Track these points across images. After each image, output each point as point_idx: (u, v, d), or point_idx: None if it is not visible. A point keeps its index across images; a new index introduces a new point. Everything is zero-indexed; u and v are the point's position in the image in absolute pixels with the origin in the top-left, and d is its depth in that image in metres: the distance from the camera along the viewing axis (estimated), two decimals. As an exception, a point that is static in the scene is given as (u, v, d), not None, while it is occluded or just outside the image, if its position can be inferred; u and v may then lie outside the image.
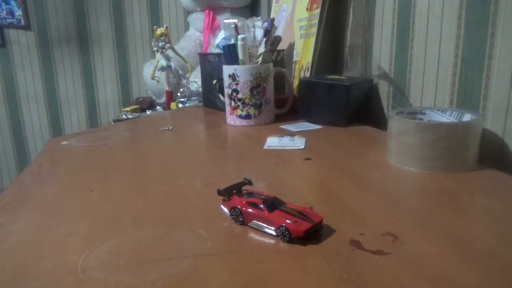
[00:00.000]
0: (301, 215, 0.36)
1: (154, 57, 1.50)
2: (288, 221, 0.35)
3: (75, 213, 0.42)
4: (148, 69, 1.80)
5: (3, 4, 2.21)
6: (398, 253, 0.32)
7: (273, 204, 0.37)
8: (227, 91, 0.83)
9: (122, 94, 2.41)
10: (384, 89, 0.80)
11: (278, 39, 0.88)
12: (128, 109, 1.62)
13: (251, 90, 0.80)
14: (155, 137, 0.77)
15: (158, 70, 1.47)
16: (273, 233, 0.35)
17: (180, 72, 1.47)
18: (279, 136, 0.71)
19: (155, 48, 1.45)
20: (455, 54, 0.60)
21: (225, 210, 0.40)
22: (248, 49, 0.82)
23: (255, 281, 0.29)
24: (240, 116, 0.82)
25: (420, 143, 0.50)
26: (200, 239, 0.35)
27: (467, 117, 0.54)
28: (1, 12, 2.22)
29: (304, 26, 0.95)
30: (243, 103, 0.81)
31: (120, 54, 2.34)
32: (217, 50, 1.27)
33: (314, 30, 0.89)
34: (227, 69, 0.82)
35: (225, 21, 0.94)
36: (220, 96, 0.97)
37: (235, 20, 0.87)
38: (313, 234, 0.35)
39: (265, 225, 0.36)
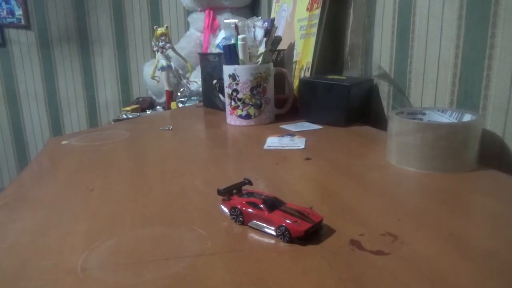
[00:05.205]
0: (301, 215, 0.36)
1: (154, 57, 1.50)
2: (288, 221, 0.35)
3: (75, 212, 0.42)
4: (148, 69, 1.79)
5: (3, 3, 2.21)
6: (398, 253, 0.32)
7: (273, 204, 0.37)
8: (227, 91, 0.83)
9: (122, 93, 2.41)
10: (384, 89, 0.80)
11: (278, 39, 0.88)
12: (128, 108, 1.62)
13: (251, 90, 0.80)
14: (155, 137, 0.77)
15: (158, 70, 1.47)
16: (273, 233, 0.35)
17: (180, 72, 1.47)
18: (279, 136, 0.71)
19: (155, 48, 1.45)
20: (455, 54, 0.60)
21: (225, 210, 0.40)
22: (248, 49, 0.82)
23: (255, 280, 0.29)
24: (240, 116, 0.82)
25: (420, 143, 0.50)
26: (200, 239, 0.35)
27: (467, 117, 0.54)
28: (2, 12, 2.22)
29: (305, 26, 0.95)
30: (243, 103, 0.81)
31: (120, 53, 2.34)
32: (217, 50, 1.27)
33: (315, 30, 0.89)
34: (227, 69, 0.82)
35: (226, 21, 0.94)
36: (220, 96, 0.97)
37: (236, 20, 0.87)
38: (313, 234, 0.35)
39: (265, 225, 0.36)
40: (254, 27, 0.85)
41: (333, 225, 0.37)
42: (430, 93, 0.67)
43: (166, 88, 1.49)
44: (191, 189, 0.48)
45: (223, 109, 0.89)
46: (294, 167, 0.55)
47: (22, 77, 2.33)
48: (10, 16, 2.23)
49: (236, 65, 0.81)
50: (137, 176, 0.53)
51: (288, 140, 0.68)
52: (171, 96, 1.49)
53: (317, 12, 0.89)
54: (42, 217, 0.42)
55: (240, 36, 0.81)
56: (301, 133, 0.73)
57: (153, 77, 1.49)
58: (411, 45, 0.71)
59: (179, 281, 0.29)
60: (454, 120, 0.56)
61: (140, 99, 1.93)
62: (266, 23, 0.84)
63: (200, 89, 1.24)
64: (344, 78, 0.82)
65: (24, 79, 2.34)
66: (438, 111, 0.58)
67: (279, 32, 1.07)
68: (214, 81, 0.96)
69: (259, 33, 0.84)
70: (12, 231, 0.38)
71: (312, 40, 0.90)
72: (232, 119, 0.84)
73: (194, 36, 1.91)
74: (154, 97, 1.88)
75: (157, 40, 1.44)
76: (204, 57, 1.08)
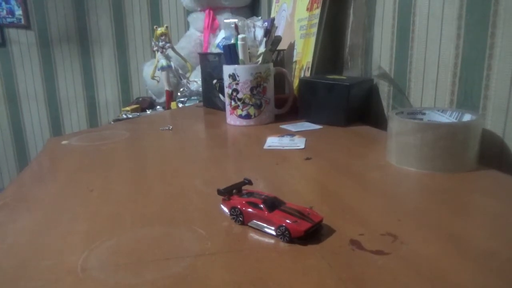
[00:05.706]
0: (301, 215, 0.36)
1: (154, 57, 1.50)
2: (288, 221, 0.35)
3: (75, 212, 0.42)
4: (148, 69, 1.80)
5: (3, 3, 2.21)
6: (398, 253, 0.32)
7: (273, 204, 0.37)
8: (227, 90, 0.83)
9: (122, 93, 2.41)
10: (384, 89, 0.80)
11: (278, 39, 0.88)
12: (128, 108, 1.62)
13: (251, 90, 0.80)
14: (155, 137, 0.77)
15: (158, 70, 1.47)
16: (273, 233, 0.35)
17: (180, 71, 1.47)
18: (279, 136, 0.71)
19: (155, 48, 1.45)
20: (455, 54, 0.60)
21: (225, 210, 0.40)
22: (248, 49, 0.82)
23: (255, 280, 0.29)
24: (240, 116, 0.82)
25: (420, 143, 0.50)
26: (200, 239, 0.35)
27: (467, 117, 0.54)
28: (1, 12, 2.22)
29: (305, 26, 0.95)
30: (243, 103, 0.81)
31: (120, 53, 2.34)
32: (217, 50, 1.27)
33: (315, 30, 0.89)
34: (227, 69, 0.82)
35: (225, 20, 0.94)
36: (220, 96, 0.97)
37: (235, 20, 0.87)
38: (313, 234, 0.35)
39: (265, 225, 0.36)
40: (254, 27, 0.85)
41: (333, 225, 0.37)
42: (430, 93, 0.67)
43: (166, 88, 1.49)
44: (191, 189, 0.48)
45: (223, 109, 0.89)
46: (294, 167, 0.55)
47: (22, 77, 2.33)
48: (10, 16, 2.23)
49: (236, 65, 0.81)
50: (137, 176, 0.53)
51: (288, 140, 0.68)
52: (171, 96, 1.49)
53: (317, 12, 0.89)
54: (42, 217, 0.42)
55: (240, 36, 0.81)
56: (301, 133, 0.73)
57: (153, 77, 1.49)
58: (411, 45, 0.71)
59: (179, 281, 0.29)
60: (454, 120, 0.56)
61: (140, 99, 1.93)
62: (266, 23, 0.84)
63: (200, 89, 1.24)
64: (344, 78, 0.82)
65: (24, 79, 2.34)
66: (438, 111, 0.58)
67: (279, 32, 1.07)
68: (214, 81, 0.96)
69: (259, 33, 0.84)
70: (12, 231, 0.38)
71: (312, 40, 0.90)
72: (232, 119, 0.84)
73: (194, 36, 1.91)
74: (154, 97, 1.88)
75: (157, 40, 1.44)
76: (204, 57, 1.08)
